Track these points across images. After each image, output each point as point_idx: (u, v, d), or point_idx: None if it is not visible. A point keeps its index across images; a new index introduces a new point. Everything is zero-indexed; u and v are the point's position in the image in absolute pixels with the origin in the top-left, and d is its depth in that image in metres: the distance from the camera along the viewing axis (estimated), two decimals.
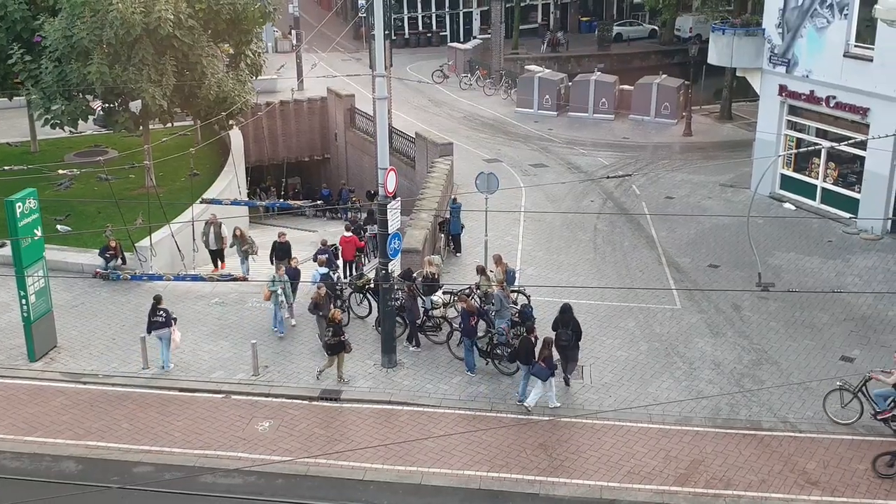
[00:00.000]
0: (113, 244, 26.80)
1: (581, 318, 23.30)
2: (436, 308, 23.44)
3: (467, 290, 23.70)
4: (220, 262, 28.44)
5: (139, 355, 22.26)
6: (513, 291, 23.97)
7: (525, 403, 20.26)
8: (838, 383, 19.89)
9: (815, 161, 32.00)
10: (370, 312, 24.50)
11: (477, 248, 27.83)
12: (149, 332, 21.98)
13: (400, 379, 21.60)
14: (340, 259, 27.46)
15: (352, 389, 21.19)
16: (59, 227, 28.78)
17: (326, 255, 25.26)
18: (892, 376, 19.17)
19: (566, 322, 21.18)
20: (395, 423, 20.00)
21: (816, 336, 23.36)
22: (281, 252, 26.38)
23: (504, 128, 44.22)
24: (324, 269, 24.48)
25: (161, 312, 21.82)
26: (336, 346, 21.05)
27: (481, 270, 23.99)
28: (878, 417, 19.32)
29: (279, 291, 23.33)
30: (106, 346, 23.31)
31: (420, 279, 23.99)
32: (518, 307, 23.12)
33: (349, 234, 27.68)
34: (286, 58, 53.50)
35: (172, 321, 21.88)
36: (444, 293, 24.06)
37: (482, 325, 22.36)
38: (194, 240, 28.06)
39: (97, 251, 27.13)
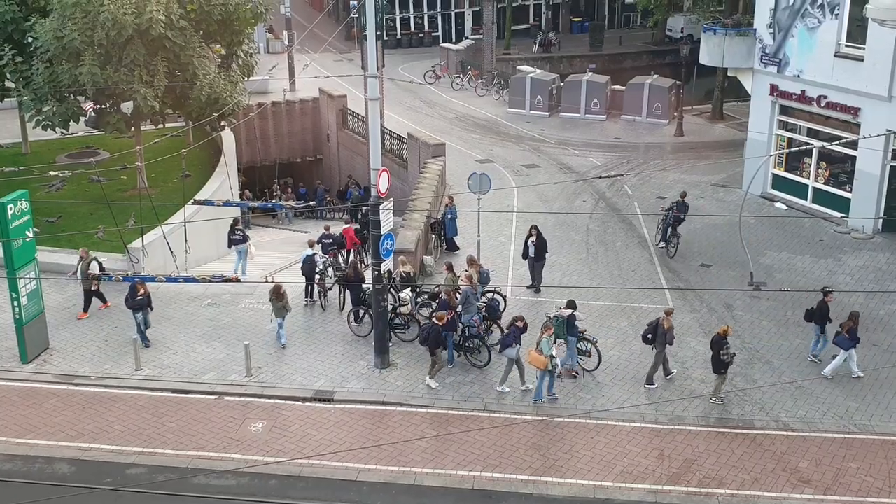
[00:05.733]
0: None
1: None
2: (404, 305, 23.54)
3: (436, 289, 23.87)
4: (98, 304, 25.15)
5: (131, 357, 22.22)
6: (487, 291, 24.16)
7: (824, 373, 21.59)
8: (548, 313, 22.50)
9: (806, 161, 32.11)
10: (343, 306, 25.04)
11: (470, 249, 27.83)
12: (230, 246, 27.88)
13: (393, 380, 21.60)
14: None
15: (344, 390, 21.19)
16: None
17: (330, 240, 26.82)
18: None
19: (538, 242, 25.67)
20: (388, 423, 20.00)
21: (808, 335, 23.37)
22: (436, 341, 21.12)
23: (496, 128, 44.25)
24: (310, 251, 25.47)
25: (238, 231, 27.63)
26: (730, 364, 20.52)
27: (449, 268, 24.22)
28: None
29: (553, 353, 20.36)
30: (98, 348, 23.26)
31: (397, 278, 24.24)
32: (485, 302, 23.47)
33: (348, 225, 28.55)
34: (278, 58, 53.45)
35: (248, 238, 27.71)
36: (412, 292, 24.27)
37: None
38: (186, 241, 28.01)
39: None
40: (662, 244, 28.41)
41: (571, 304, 21.83)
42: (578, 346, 21.97)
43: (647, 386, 21.26)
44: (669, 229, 28.17)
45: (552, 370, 20.23)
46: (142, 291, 23.05)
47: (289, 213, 40.18)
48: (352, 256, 28.15)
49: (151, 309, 23.45)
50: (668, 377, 21.55)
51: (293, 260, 30.25)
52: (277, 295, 22.98)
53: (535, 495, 17.72)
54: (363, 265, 25.97)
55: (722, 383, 20.67)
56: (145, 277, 26.27)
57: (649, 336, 21.22)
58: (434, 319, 21.12)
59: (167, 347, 23.21)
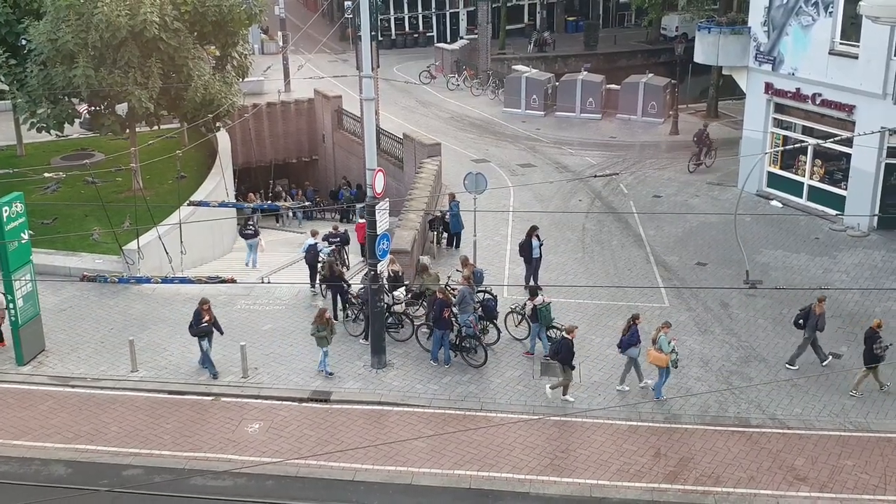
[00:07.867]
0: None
1: (570, 317, 23.46)
2: (397, 304, 23.54)
3: (416, 288, 24.02)
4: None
5: (128, 358, 22.21)
6: (479, 291, 24.15)
7: None
8: (511, 306, 23.51)
9: (801, 158, 32.14)
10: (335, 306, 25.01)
11: (466, 248, 27.85)
12: (245, 239, 30.49)
13: (390, 380, 21.61)
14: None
15: (341, 390, 21.19)
16: None
17: (337, 238, 27.24)
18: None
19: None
20: (385, 423, 20.00)
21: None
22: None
23: (492, 128, 44.25)
24: (312, 240, 26.27)
25: (251, 226, 30.43)
26: (882, 359, 20.59)
27: (423, 269, 24.23)
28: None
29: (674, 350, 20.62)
30: (94, 350, 23.24)
31: (385, 277, 24.18)
32: (481, 302, 23.44)
33: (362, 220, 28.41)
34: (273, 59, 53.35)
35: (258, 232, 30.46)
36: (405, 291, 24.28)
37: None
38: (182, 242, 27.99)
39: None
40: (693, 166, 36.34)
41: (535, 292, 22.38)
42: (548, 333, 22.25)
43: (787, 366, 21.83)
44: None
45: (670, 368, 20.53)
46: (206, 318, 21.62)
47: (298, 215, 40.21)
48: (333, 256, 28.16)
49: (221, 333, 22.03)
50: (825, 363, 21.83)
51: (290, 260, 30.29)
52: (322, 321, 21.42)
53: (533, 494, 17.73)
54: (340, 265, 25.85)
55: (876, 376, 20.71)
56: (140, 279, 26.36)
57: (801, 321, 21.80)
58: (564, 333, 20.87)
59: (163, 349, 23.19)
